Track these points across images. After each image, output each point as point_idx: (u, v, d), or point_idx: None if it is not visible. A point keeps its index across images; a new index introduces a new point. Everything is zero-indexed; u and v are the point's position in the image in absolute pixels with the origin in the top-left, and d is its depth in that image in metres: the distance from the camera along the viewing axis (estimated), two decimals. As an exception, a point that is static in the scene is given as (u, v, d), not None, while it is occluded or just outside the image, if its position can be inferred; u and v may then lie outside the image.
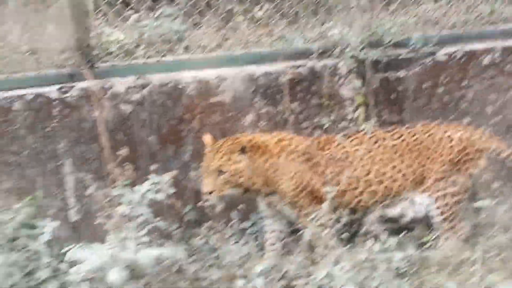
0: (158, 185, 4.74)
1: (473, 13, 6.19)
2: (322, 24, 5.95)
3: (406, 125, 5.35)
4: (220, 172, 5.00)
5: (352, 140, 5.21)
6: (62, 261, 4.73)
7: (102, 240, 5.42)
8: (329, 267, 4.36)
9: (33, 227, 4.72)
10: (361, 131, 5.39)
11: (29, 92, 5.41)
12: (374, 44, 5.74)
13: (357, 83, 5.64)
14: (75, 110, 5.45)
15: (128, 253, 3.75)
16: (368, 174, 5.13)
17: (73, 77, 5.50)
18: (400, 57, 5.76)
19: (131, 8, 5.91)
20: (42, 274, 4.41)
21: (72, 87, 5.44)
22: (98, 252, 3.72)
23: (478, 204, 5.18)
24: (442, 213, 5.16)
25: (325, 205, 4.90)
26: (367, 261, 4.45)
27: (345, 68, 5.67)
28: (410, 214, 5.26)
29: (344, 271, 4.29)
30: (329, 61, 5.71)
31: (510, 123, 5.99)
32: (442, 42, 5.90)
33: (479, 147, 5.17)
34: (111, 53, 5.66)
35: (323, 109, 5.72)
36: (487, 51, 5.86)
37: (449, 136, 5.15)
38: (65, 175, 5.53)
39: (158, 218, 4.61)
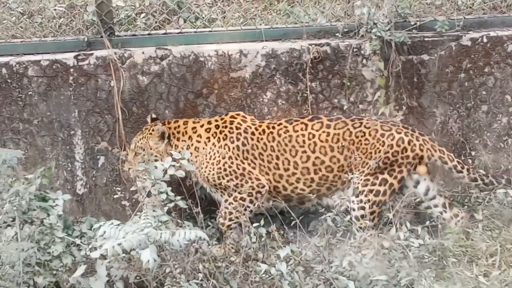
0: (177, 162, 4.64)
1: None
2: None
3: (352, 116, 5.23)
4: (135, 153, 5.20)
5: (296, 125, 5.12)
6: (75, 235, 4.67)
7: (107, 215, 5.40)
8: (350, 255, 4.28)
9: (44, 199, 4.62)
10: (327, 116, 5.26)
11: (45, 58, 5.25)
12: (399, 25, 5.61)
13: (380, 64, 5.50)
14: (91, 79, 5.31)
15: (158, 233, 3.63)
16: (307, 161, 5.06)
17: (91, 45, 5.35)
18: (425, 40, 5.63)
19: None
20: (56, 248, 4.32)
21: (90, 55, 5.29)
22: (125, 229, 3.59)
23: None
24: (359, 209, 5.01)
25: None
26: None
27: (368, 48, 5.53)
28: (345, 204, 5.06)
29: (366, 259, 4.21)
30: (353, 41, 5.57)
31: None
32: (466, 26, 5.78)
33: (419, 154, 5.05)
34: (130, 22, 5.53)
35: (344, 90, 5.60)
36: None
37: (390, 135, 5.02)
38: (76, 146, 5.41)
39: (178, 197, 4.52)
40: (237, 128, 5.15)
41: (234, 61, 5.45)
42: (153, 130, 5.17)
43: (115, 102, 5.33)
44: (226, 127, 5.16)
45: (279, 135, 5.12)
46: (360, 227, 4.96)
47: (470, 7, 6.02)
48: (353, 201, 5.02)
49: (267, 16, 6.19)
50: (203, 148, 5.12)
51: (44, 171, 4.62)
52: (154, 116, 5.34)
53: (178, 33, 5.54)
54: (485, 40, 5.71)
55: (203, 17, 5.87)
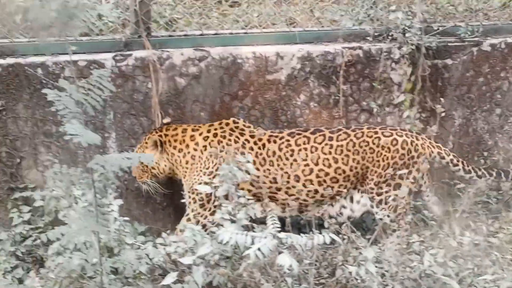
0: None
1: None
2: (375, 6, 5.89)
3: (352, 127, 5.17)
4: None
5: (298, 138, 5.06)
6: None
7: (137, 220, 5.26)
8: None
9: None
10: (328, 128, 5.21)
11: (82, 58, 5.07)
12: (423, 30, 5.73)
13: (408, 69, 5.61)
14: (129, 80, 5.16)
15: (296, 238, 3.58)
16: (310, 173, 5.02)
17: (128, 45, 5.21)
18: (449, 45, 5.78)
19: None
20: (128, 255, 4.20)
21: (129, 55, 5.14)
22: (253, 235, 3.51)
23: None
24: (389, 215, 5.10)
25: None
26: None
27: (398, 52, 5.63)
28: (347, 213, 5.15)
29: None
30: (383, 45, 5.65)
31: (535, 115, 6.17)
32: (484, 32, 5.97)
33: (422, 152, 5.12)
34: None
35: (373, 93, 5.67)
36: (526, 44, 6.00)
37: (394, 140, 5.06)
38: (109, 149, 5.25)
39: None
40: (235, 141, 5.04)
41: (271, 63, 5.42)
42: (148, 139, 5.12)
43: (153, 104, 5.20)
44: (225, 137, 5.04)
45: (280, 150, 5.03)
46: (394, 230, 5.07)
47: (486, 14, 6.23)
48: (376, 212, 5.09)
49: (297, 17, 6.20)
50: (199, 157, 5.03)
51: (100, 176, 4.47)
52: (167, 120, 5.24)
53: (214, 34, 5.46)
54: (503, 46, 5.92)
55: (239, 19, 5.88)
